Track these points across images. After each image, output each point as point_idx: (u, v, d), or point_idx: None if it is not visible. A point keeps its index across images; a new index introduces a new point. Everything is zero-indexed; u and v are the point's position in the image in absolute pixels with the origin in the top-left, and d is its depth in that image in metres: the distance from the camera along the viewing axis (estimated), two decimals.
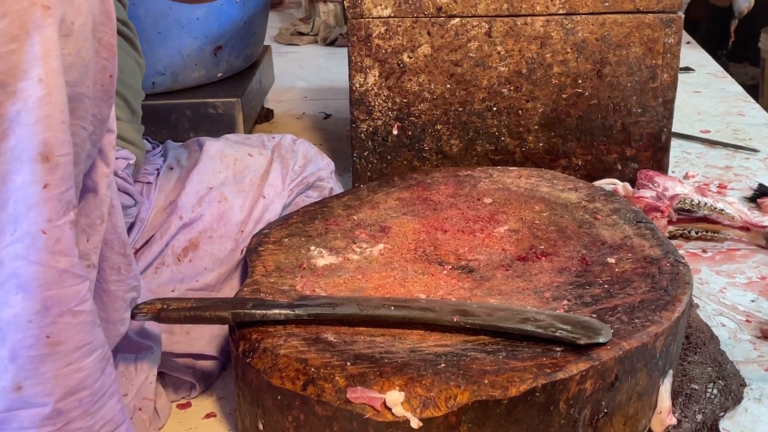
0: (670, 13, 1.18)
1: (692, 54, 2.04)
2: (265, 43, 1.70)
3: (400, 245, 0.91)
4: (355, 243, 0.92)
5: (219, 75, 1.45)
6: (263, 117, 1.68)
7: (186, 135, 1.36)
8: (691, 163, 1.42)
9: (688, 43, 2.16)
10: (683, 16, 1.19)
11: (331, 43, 2.24)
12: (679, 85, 1.24)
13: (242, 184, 1.00)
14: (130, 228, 0.92)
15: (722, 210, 1.14)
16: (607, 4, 1.17)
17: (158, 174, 0.99)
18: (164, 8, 1.32)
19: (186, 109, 1.36)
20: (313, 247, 0.91)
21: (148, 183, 0.96)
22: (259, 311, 0.75)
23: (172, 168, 1.00)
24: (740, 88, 1.81)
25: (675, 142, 1.46)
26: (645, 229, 0.92)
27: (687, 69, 1.91)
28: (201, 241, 0.94)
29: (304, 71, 2.05)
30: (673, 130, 1.27)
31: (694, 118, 1.62)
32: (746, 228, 1.14)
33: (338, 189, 1.13)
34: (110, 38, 0.60)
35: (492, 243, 0.92)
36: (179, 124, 1.36)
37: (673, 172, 1.35)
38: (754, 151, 1.46)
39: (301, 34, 2.31)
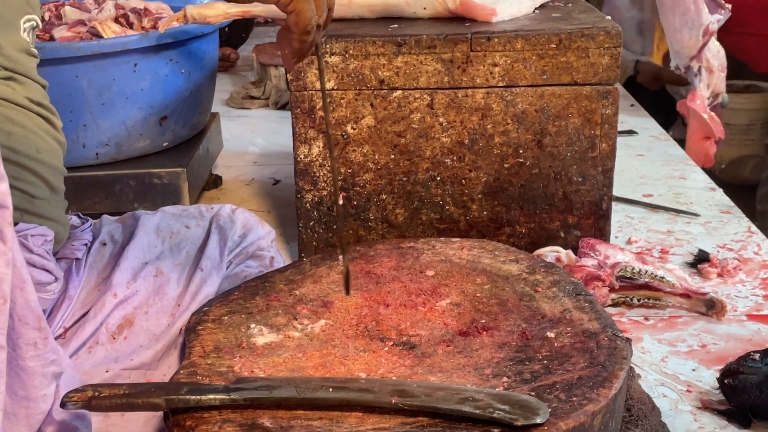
0: (606, 85, 1.21)
1: (636, 117, 2.09)
2: (217, 107, 1.70)
3: (342, 321, 0.91)
4: (296, 319, 0.91)
5: (164, 144, 1.44)
6: (212, 183, 1.67)
7: (130, 205, 1.34)
8: (634, 228, 1.44)
9: (632, 105, 2.22)
10: (619, 88, 1.23)
11: (283, 107, 2.24)
12: (622, 148, 1.27)
13: (179, 257, 0.99)
14: (58, 306, 0.90)
15: (663, 278, 1.16)
16: (545, 76, 1.20)
17: (88, 250, 0.97)
18: (108, 80, 1.32)
19: (130, 179, 1.35)
20: (253, 325, 0.89)
21: (77, 259, 0.95)
22: (193, 396, 0.74)
23: (105, 244, 0.99)
24: (682, 151, 1.85)
25: (618, 207, 1.48)
26: (584, 302, 0.92)
27: (630, 132, 1.95)
28: (136, 317, 0.92)
29: (255, 135, 2.05)
30: (617, 194, 1.30)
31: (637, 182, 1.65)
32: (687, 295, 1.16)
33: (279, 258, 1.12)
34: None
35: (434, 317, 0.92)
36: (123, 194, 1.35)
37: (616, 236, 1.37)
38: (695, 215, 1.49)
39: (253, 97, 2.32)
